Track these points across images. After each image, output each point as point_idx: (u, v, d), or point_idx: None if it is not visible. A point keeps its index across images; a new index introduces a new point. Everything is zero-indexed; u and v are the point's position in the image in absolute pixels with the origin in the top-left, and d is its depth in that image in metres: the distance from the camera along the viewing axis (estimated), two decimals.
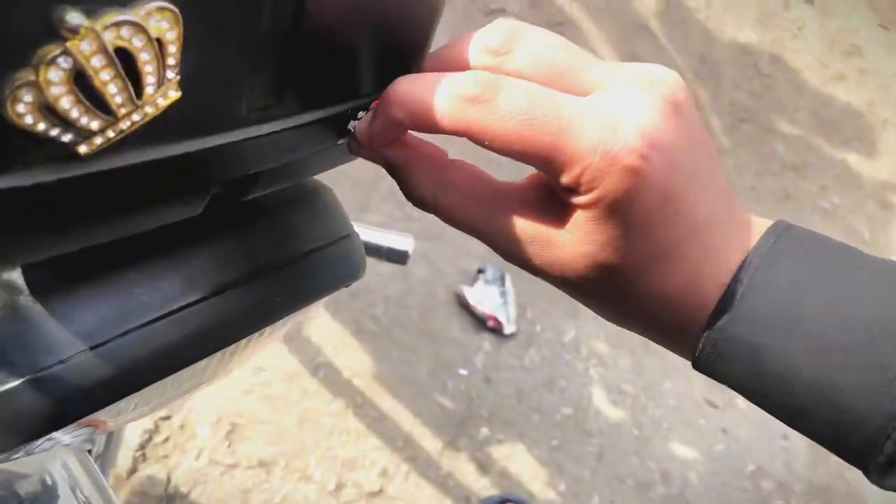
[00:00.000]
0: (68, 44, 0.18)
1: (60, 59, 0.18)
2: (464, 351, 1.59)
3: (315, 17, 0.23)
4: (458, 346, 1.59)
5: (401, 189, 0.31)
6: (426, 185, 0.30)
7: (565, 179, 0.27)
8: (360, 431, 1.44)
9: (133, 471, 1.28)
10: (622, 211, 0.27)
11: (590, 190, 0.27)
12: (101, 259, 0.27)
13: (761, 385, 0.28)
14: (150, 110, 0.20)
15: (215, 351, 0.30)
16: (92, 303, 0.26)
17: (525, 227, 0.30)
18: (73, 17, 0.17)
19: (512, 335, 1.64)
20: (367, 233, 0.65)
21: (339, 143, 0.29)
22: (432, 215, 0.31)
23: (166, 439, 1.32)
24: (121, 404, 0.29)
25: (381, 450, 1.43)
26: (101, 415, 0.29)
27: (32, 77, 0.18)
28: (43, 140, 0.19)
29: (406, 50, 0.29)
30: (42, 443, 0.28)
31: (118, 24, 0.18)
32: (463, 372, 1.57)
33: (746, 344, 0.28)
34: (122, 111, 0.20)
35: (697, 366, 0.30)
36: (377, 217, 1.64)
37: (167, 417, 1.34)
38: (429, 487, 1.43)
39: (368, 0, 0.25)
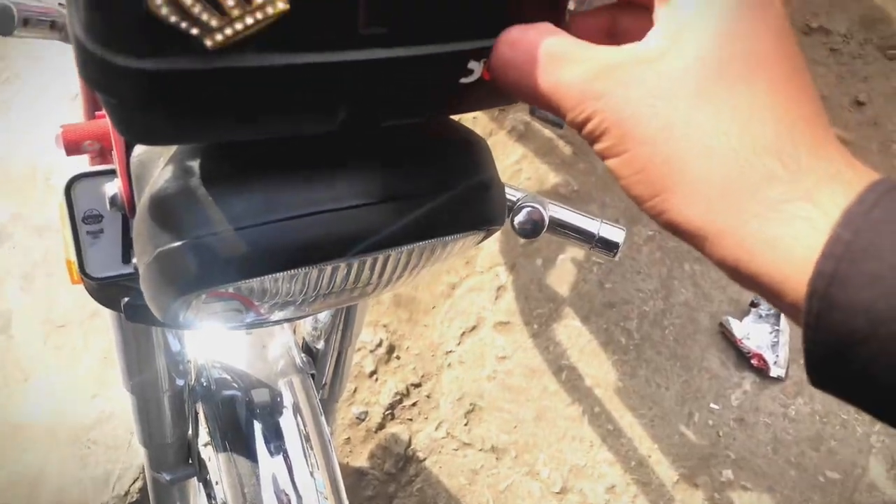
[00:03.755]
0: None
1: None
2: (719, 385, 1.49)
3: None
4: (713, 378, 1.50)
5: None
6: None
7: None
8: (593, 441, 1.42)
9: (381, 427, 1.42)
10: None
11: None
12: (260, 161, 0.33)
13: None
14: (259, 16, 0.25)
15: (338, 259, 0.34)
16: (245, 193, 0.32)
17: (610, 53, 0.27)
18: None
19: (778, 379, 1.49)
20: (580, 219, 0.66)
21: (463, 81, 0.32)
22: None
23: (414, 404, 1.44)
24: (265, 285, 0.35)
25: (613, 465, 1.41)
26: (245, 291, 0.35)
27: None
28: (178, 33, 0.25)
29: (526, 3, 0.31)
30: (198, 310, 0.35)
31: None
32: (715, 406, 1.47)
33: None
34: (235, 13, 0.25)
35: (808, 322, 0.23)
36: (646, 231, 1.60)
37: (418, 385, 1.46)
38: None
39: None
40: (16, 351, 1.49)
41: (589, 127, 0.28)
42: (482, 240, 0.42)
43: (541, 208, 0.63)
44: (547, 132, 1.71)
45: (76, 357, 1.47)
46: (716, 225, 0.25)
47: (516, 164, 1.68)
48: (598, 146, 0.28)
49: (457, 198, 0.37)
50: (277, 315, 0.39)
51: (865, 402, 0.24)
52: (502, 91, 0.34)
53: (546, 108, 0.29)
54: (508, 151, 1.69)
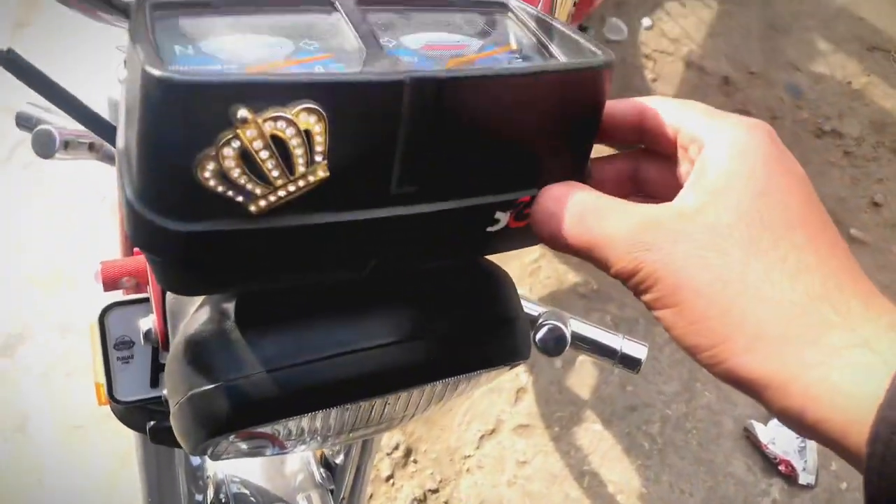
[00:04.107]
0: (238, 130, 0.25)
1: (232, 141, 0.25)
2: (746, 492, 1.44)
3: (453, 117, 0.28)
4: (739, 484, 1.45)
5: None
6: None
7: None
8: None
9: None
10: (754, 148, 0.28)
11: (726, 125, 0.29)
12: (291, 303, 0.34)
13: None
14: (301, 184, 0.27)
15: (367, 398, 0.34)
16: (276, 336, 0.33)
17: (652, 208, 0.29)
18: (242, 112, 0.24)
19: (808, 486, 1.45)
20: (602, 335, 0.66)
21: (489, 230, 0.33)
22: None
23: None
24: (289, 425, 0.35)
25: None
26: (272, 431, 0.35)
27: (214, 153, 0.25)
28: (224, 200, 0.26)
29: (546, 158, 0.32)
30: (226, 447, 0.35)
31: (274, 118, 0.25)
32: None
33: None
34: (279, 182, 0.26)
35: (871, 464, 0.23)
36: (665, 335, 1.59)
37: (435, 490, 1.42)
38: None
39: (504, 109, 0.29)
40: (30, 451, 1.48)
41: (638, 278, 0.28)
42: (508, 370, 0.42)
43: (562, 326, 0.64)
44: None
45: (91, 459, 1.46)
46: (780, 373, 0.25)
47: (535, 262, 1.69)
48: (647, 297, 0.29)
49: (482, 334, 0.37)
50: (301, 448, 0.39)
51: None
52: (526, 235, 0.35)
53: (588, 259, 0.30)
54: (527, 250, 1.70)
